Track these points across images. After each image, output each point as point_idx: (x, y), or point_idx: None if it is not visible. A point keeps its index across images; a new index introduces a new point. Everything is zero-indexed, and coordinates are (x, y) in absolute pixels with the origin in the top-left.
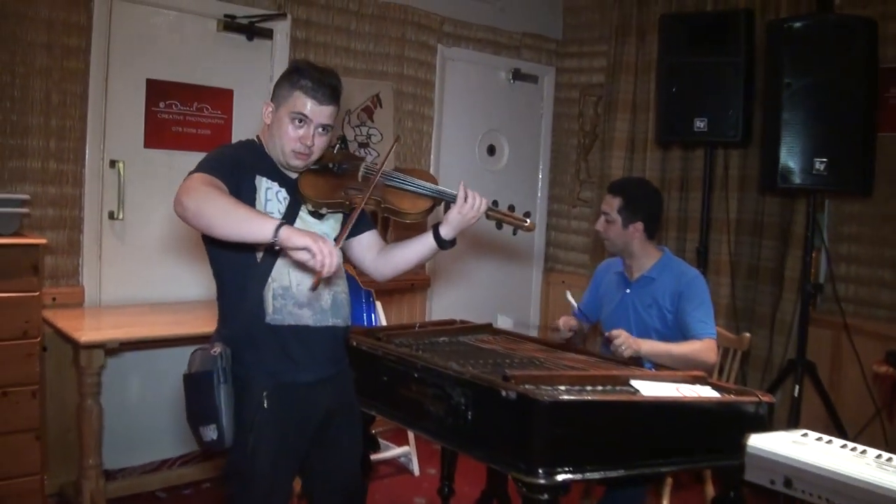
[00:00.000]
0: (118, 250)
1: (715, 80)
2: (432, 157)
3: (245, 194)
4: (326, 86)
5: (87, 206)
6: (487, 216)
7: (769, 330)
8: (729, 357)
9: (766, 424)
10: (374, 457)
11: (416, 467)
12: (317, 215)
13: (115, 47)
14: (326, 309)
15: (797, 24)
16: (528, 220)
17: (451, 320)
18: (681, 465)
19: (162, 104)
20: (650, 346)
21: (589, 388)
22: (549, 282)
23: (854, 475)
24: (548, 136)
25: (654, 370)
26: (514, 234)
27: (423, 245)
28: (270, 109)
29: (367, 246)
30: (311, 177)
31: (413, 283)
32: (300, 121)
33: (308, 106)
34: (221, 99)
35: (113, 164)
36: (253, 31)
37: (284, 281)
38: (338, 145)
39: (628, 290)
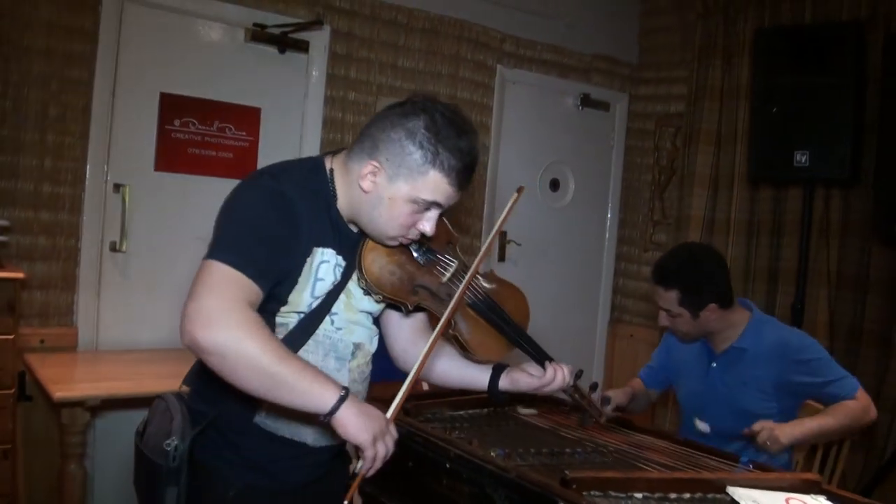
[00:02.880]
0: (119, 287)
1: (819, 106)
2: (487, 190)
3: (287, 281)
4: (472, 163)
5: (86, 236)
6: (565, 392)
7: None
8: (832, 449)
9: None
10: None
11: None
12: (367, 293)
13: (125, 56)
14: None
15: None
16: (605, 413)
17: None
18: None
19: (177, 122)
20: (798, 430)
21: (673, 496)
22: (616, 334)
23: None
24: (619, 170)
25: (752, 468)
26: (581, 423)
27: (474, 377)
28: (377, 176)
29: (408, 327)
30: (383, 251)
31: None
32: (427, 208)
33: (445, 193)
34: (247, 118)
35: (117, 188)
36: (285, 42)
37: None
38: None
39: (714, 365)
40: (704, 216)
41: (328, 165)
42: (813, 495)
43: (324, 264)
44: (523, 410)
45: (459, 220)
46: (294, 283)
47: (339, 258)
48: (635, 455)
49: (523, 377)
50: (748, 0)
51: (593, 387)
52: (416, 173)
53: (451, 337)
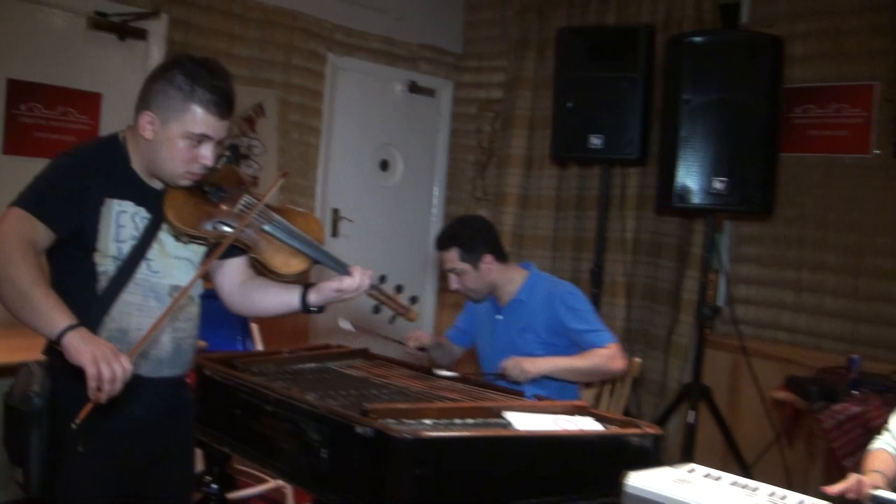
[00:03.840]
0: None
1: (613, 97)
2: (320, 170)
3: (89, 227)
4: (226, 95)
5: None
6: (368, 295)
7: (665, 353)
8: (617, 383)
9: (652, 458)
10: (239, 494)
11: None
12: (177, 238)
13: None
14: (164, 359)
15: (698, 40)
16: (413, 310)
17: (326, 345)
18: None
19: (23, 107)
20: (551, 364)
21: (458, 421)
22: (444, 304)
23: None
24: (444, 152)
25: (534, 399)
26: (391, 321)
27: (286, 300)
28: (153, 125)
29: (230, 272)
30: (180, 196)
31: None
32: (199, 141)
33: (209, 123)
34: (88, 103)
35: None
36: (125, 30)
37: (123, 323)
38: (224, 158)
39: (499, 317)
40: (518, 193)
41: (121, 135)
42: (580, 416)
43: (122, 214)
44: (343, 324)
45: (294, 200)
46: (95, 230)
47: (142, 210)
48: (432, 395)
49: (327, 285)
50: (561, 1)
51: (398, 288)
52: (181, 111)
53: (257, 263)
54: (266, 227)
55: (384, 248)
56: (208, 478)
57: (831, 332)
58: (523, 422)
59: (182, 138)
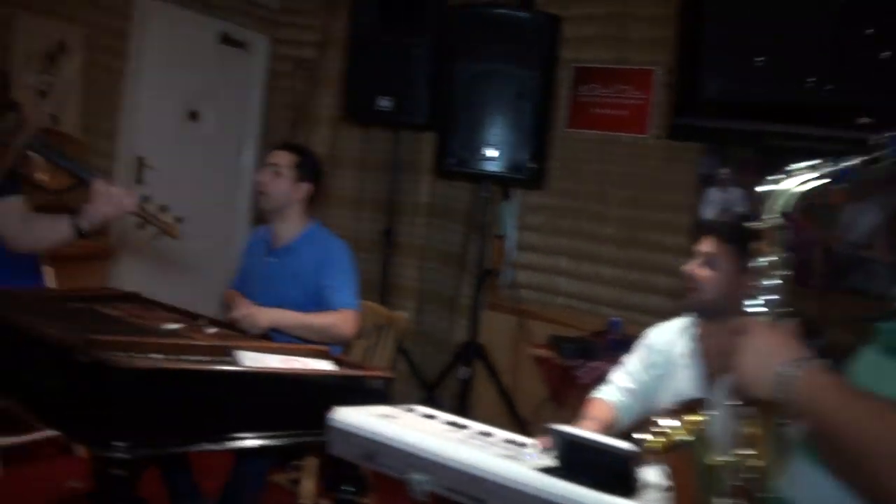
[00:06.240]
0: None
1: (403, 61)
2: (124, 116)
3: None
4: None
5: None
6: (131, 214)
7: (451, 312)
8: (382, 335)
9: (383, 400)
10: (23, 439)
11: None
12: None
13: None
14: None
15: (480, 10)
16: (176, 227)
17: (104, 288)
18: (280, 439)
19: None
20: (279, 317)
21: (189, 357)
22: None
23: (429, 449)
24: (257, 108)
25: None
26: (155, 239)
27: (59, 229)
28: None
29: (9, 211)
30: None
31: (91, 251)
32: None
33: None
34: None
35: None
36: None
37: None
38: None
39: (271, 259)
40: (325, 153)
41: None
42: (322, 359)
43: None
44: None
45: (96, 143)
46: None
47: None
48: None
49: (90, 206)
50: None
51: (162, 208)
52: None
53: (22, 176)
54: (30, 146)
55: (192, 201)
56: None
57: (606, 299)
58: (252, 360)
59: None
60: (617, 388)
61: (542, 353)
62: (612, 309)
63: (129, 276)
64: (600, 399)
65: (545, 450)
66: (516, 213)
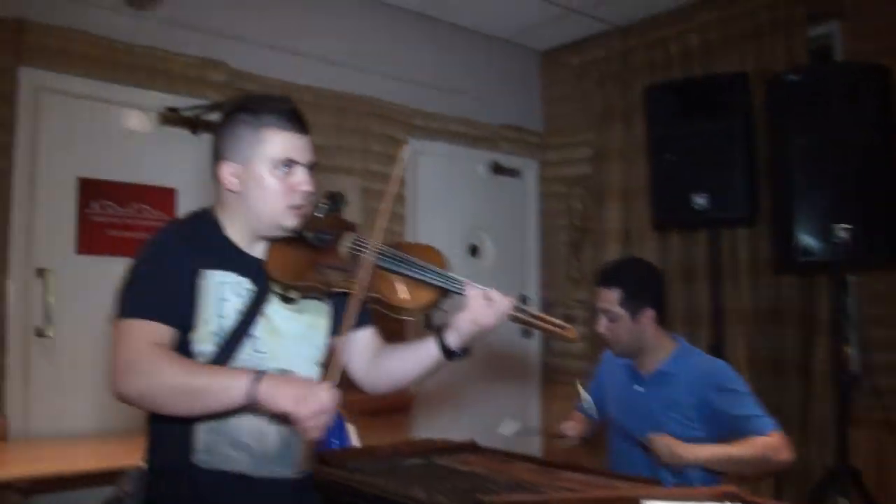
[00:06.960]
0: (48, 373)
1: (712, 151)
2: None
3: (186, 304)
4: (293, 109)
5: (12, 323)
6: (513, 319)
7: (801, 433)
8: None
9: None
10: None
11: None
12: (287, 300)
13: (43, 144)
14: (272, 454)
15: (797, 78)
16: (570, 327)
17: (429, 440)
18: None
19: (96, 205)
20: (709, 452)
21: None
22: (550, 395)
23: None
24: (535, 233)
25: (673, 487)
26: (549, 344)
27: (425, 355)
28: (235, 172)
29: (361, 348)
30: (281, 251)
31: (393, 404)
32: (286, 165)
33: (289, 142)
34: (163, 198)
35: (40, 272)
36: (198, 123)
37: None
38: (324, 206)
39: (640, 388)
40: None
41: (211, 209)
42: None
43: (225, 285)
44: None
45: None
46: (194, 306)
47: (244, 280)
48: (555, 486)
49: (462, 315)
50: (641, 63)
51: (545, 307)
52: (256, 143)
53: (372, 300)
54: (381, 263)
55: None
56: None
57: None
58: None
59: (269, 172)
60: None
61: None
62: None
63: (428, 426)
64: None
65: None
66: (856, 306)
